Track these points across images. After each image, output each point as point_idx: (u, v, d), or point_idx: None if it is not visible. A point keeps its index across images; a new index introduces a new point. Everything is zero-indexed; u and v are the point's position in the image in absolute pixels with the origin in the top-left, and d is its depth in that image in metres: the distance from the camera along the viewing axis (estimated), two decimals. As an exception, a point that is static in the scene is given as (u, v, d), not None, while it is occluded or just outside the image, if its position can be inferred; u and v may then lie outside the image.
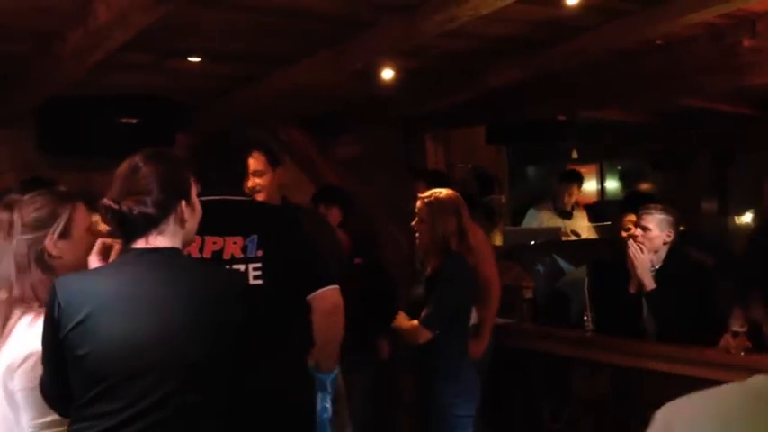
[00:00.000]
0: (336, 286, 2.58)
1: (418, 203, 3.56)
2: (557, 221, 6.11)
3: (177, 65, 4.05)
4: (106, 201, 1.92)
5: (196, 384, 1.89)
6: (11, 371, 2.01)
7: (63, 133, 4.57)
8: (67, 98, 4.39)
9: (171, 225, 1.96)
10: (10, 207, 2.18)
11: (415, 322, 3.41)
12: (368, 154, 5.98)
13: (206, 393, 1.91)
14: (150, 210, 1.92)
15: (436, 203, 3.51)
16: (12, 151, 4.78)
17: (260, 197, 3.43)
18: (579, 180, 6.24)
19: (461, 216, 3.52)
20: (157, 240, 1.95)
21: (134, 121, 4.60)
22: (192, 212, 2.02)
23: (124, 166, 1.97)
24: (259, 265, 2.46)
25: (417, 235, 3.57)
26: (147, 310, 1.88)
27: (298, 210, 3.80)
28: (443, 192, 3.57)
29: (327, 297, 2.56)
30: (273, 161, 3.50)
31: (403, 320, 3.52)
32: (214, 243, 2.46)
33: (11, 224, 2.14)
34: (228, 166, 2.69)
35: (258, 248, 2.48)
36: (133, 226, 1.93)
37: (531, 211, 6.30)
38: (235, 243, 2.47)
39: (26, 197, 2.20)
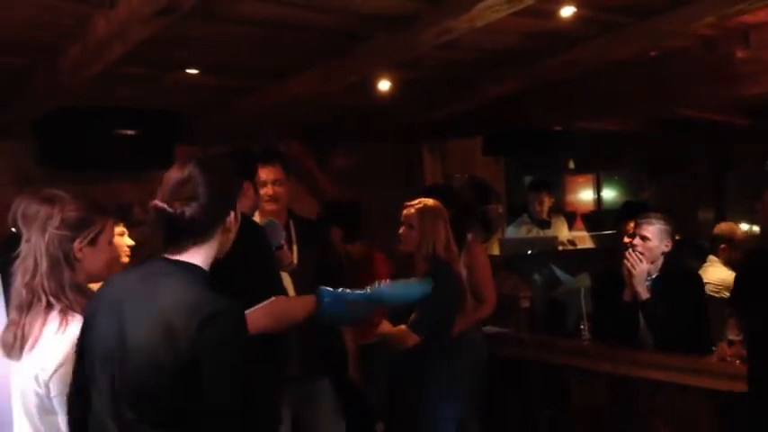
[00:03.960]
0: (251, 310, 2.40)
1: (407, 211, 3.62)
2: (537, 233, 6.11)
3: (176, 77, 4.08)
4: (157, 202, 1.83)
5: (152, 411, 1.74)
6: (44, 378, 2.06)
7: (62, 146, 4.59)
8: (67, 110, 4.41)
9: (215, 235, 1.88)
10: (51, 201, 2.21)
11: (403, 327, 3.46)
12: (365, 165, 6.00)
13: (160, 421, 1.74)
14: (201, 216, 1.83)
15: (426, 210, 3.59)
16: (11, 164, 4.79)
17: (279, 205, 3.49)
18: (548, 187, 6.25)
19: (447, 224, 3.61)
20: (191, 251, 1.86)
21: (133, 133, 4.63)
22: (235, 224, 1.95)
23: (176, 172, 1.87)
24: None
25: (403, 241, 3.62)
26: (116, 322, 1.80)
27: (305, 222, 3.83)
28: (430, 200, 3.67)
29: None
30: (288, 172, 3.59)
31: (387, 327, 3.57)
32: None
33: (49, 217, 2.17)
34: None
35: None
36: (177, 232, 1.84)
37: (510, 229, 6.31)
38: None
39: (68, 195, 2.23)
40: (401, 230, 3.62)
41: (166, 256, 1.86)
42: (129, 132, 4.60)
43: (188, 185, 1.84)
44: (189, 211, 1.82)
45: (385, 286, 2.54)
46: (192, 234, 1.85)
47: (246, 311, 2.28)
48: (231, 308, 1.75)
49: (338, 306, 2.46)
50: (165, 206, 1.82)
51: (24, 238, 2.19)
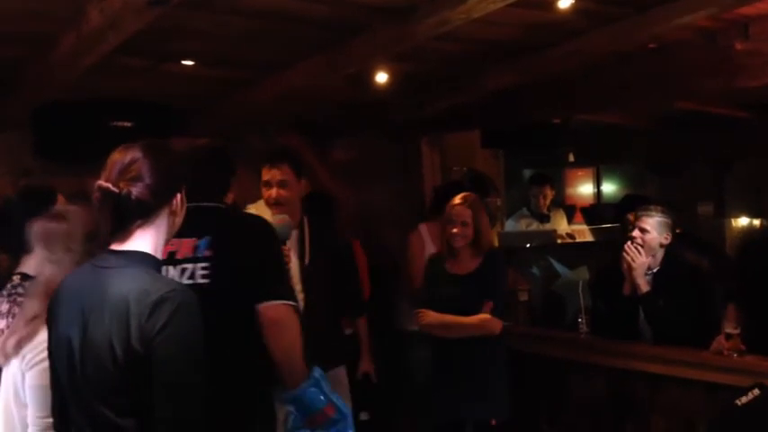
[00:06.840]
0: (285, 302, 2.47)
1: (460, 209, 3.73)
2: (536, 226, 6.11)
3: (172, 68, 4.06)
4: (102, 182, 1.82)
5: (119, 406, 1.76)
6: (23, 368, 2.09)
7: (58, 138, 4.58)
8: (63, 102, 4.40)
9: (162, 217, 1.89)
10: (64, 218, 2.26)
11: (483, 316, 3.58)
12: (364, 158, 5.98)
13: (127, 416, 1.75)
14: (146, 196, 1.83)
15: (476, 203, 3.78)
16: (7, 156, 4.78)
17: (284, 209, 3.46)
18: (550, 181, 6.27)
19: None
20: (138, 234, 1.85)
21: (129, 125, 4.61)
22: (181, 207, 1.96)
23: (120, 153, 1.87)
24: (206, 264, 2.47)
25: (459, 238, 3.71)
26: (73, 322, 1.81)
27: (317, 218, 3.81)
28: (470, 193, 3.87)
29: (270, 310, 2.44)
30: (299, 172, 3.56)
31: (433, 316, 3.68)
32: (171, 245, 2.41)
33: (68, 235, 2.22)
34: (210, 176, 2.70)
35: (207, 249, 2.49)
36: (124, 214, 1.83)
37: (509, 222, 6.31)
38: (189, 244, 2.49)
39: (75, 208, 2.28)
40: (456, 229, 3.71)
41: (114, 247, 1.85)
42: (126, 124, 4.58)
43: (133, 166, 1.84)
44: (135, 191, 1.82)
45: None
46: (138, 215, 1.84)
47: None
48: (181, 292, 1.76)
49: (317, 390, 2.47)
50: (110, 186, 1.81)
51: (43, 256, 2.26)
